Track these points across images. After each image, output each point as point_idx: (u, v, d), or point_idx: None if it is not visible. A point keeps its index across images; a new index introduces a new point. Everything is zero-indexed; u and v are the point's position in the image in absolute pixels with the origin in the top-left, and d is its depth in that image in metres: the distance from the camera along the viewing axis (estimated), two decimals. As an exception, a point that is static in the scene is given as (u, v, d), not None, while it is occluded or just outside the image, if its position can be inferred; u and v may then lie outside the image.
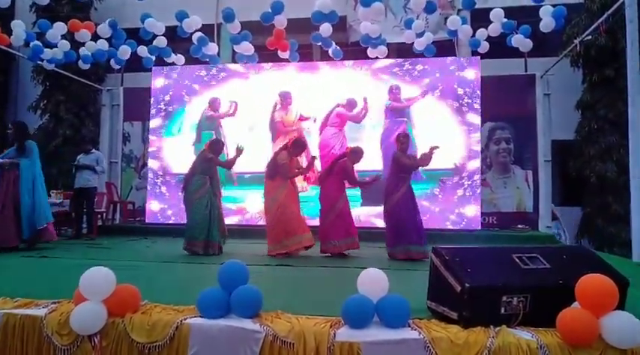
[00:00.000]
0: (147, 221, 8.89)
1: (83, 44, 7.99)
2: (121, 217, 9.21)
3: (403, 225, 5.32)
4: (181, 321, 2.37)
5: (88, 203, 7.48)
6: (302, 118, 8.53)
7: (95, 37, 7.95)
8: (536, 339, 2.15)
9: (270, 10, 7.20)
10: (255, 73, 8.84)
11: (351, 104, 8.35)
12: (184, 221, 5.98)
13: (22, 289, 2.99)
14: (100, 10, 10.43)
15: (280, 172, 5.67)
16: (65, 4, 10.06)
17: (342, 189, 5.76)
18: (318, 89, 8.57)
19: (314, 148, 8.22)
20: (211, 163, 5.84)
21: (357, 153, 5.79)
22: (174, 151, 8.96)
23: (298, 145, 5.91)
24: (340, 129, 8.37)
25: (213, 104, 8.83)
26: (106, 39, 8.03)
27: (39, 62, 8.21)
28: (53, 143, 10.35)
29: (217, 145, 6.08)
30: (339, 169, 5.74)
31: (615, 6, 6.13)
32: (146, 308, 2.52)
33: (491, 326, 2.22)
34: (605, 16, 6.62)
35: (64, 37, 7.75)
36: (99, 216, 8.34)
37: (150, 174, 9.03)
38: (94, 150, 7.72)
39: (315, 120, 8.45)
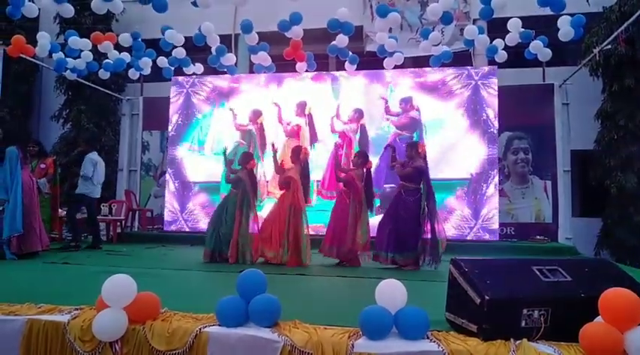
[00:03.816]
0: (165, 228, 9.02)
1: (105, 55, 8.17)
2: (140, 225, 9.34)
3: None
4: (200, 329, 2.38)
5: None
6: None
7: (117, 48, 8.12)
8: (558, 354, 2.11)
9: (288, 20, 7.28)
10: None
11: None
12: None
13: (46, 295, 3.05)
14: (121, 21, 10.66)
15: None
16: (87, 16, 10.30)
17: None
18: (331, 99, 8.67)
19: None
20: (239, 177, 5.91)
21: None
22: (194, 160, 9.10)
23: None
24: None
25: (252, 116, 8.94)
26: (126, 49, 8.20)
27: (63, 73, 8.42)
28: (74, 152, 10.55)
29: (242, 157, 6.15)
30: None
31: (635, 16, 6.07)
32: (166, 316, 2.55)
33: (512, 340, 2.18)
34: (624, 25, 6.55)
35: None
36: (118, 223, 8.47)
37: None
38: (90, 153, 7.00)
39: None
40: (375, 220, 5.90)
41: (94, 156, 6.99)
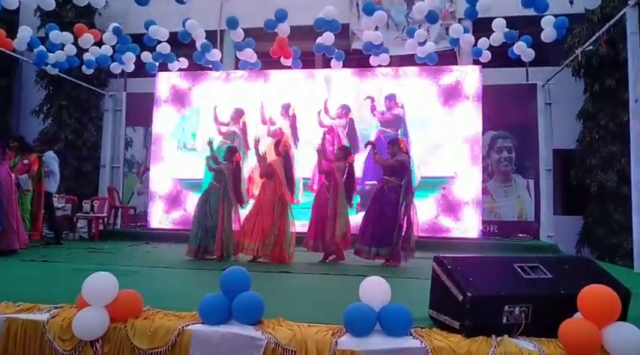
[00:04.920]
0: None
1: (87, 49, 8.03)
2: (123, 222, 9.22)
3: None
4: (183, 328, 2.36)
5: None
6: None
7: (99, 43, 7.98)
8: (538, 349, 2.14)
9: (273, 18, 7.25)
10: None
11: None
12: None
13: (24, 293, 2.98)
14: (104, 15, 10.49)
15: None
16: (69, 10, 10.11)
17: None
18: (318, 98, 8.65)
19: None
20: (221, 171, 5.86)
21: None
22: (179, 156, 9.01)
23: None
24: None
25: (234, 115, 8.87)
26: (110, 45, 8.07)
27: (43, 67, 8.25)
28: (55, 147, 10.36)
29: (227, 152, 6.11)
30: None
31: (616, 17, 6.17)
32: (148, 314, 2.51)
33: (493, 336, 2.21)
34: (606, 26, 6.66)
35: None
36: (100, 220, 8.35)
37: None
38: (49, 151, 7.32)
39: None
40: (355, 216, 5.90)
41: (51, 153, 7.33)
